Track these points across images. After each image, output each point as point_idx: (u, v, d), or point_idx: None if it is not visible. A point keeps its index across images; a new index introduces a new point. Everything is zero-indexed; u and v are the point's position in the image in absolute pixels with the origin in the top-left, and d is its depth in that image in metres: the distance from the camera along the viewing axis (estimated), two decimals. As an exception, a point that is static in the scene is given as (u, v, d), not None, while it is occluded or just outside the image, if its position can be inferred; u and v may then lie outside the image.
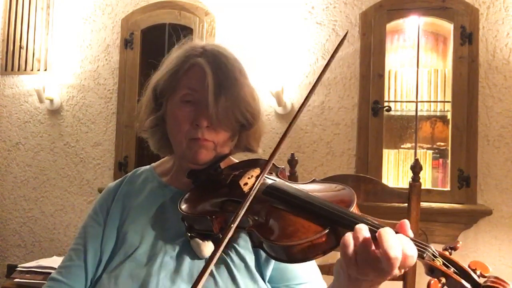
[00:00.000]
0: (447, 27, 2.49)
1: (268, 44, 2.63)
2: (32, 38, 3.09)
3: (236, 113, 0.88)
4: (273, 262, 0.86)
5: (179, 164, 0.97)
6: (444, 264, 0.58)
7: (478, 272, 0.58)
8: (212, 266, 0.62)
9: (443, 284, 0.56)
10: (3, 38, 3.14)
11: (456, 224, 2.35)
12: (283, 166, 0.90)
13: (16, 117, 3.11)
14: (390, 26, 2.54)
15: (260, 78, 2.48)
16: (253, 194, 0.69)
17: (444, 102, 2.52)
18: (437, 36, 2.63)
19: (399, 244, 0.57)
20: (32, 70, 3.07)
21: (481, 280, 0.57)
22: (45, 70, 3.04)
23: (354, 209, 0.67)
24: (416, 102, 2.52)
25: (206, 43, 0.95)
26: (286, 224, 0.68)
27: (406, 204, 1.42)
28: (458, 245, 0.61)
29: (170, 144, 0.95)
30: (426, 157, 2.50)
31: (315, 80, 0.90)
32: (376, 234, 0.59)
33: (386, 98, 2.52)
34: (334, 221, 0.64)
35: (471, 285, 0.57)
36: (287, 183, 0.80)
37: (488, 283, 0.58)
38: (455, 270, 0.58)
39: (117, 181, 1.05)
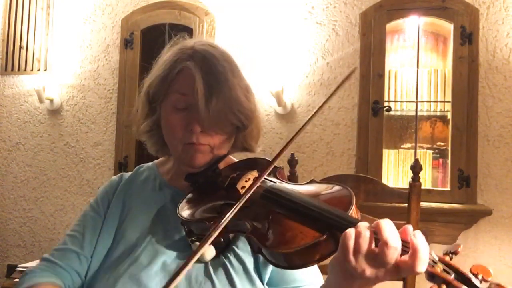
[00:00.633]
0: (447, 27, 2.49)
1: (268, 44, 2.63)
2: (32, 38, 3.09)
3: (229, 116, 0.87)
4: None
5: (178, 166, 0.97)
6: (444, 270, 0.58)
7: (480, 277, 0.56)
8: (190, 265, 0.62)
9: None
10: (3, 38, 3.14)
11: (456, 224, 2.35)
12: (281, 166, 0.89)
13: (16, 117, 3.11)
14: (390, 26, 2.54)
15: (260, 78, 2.49)
16: (246, 198, 0.68)
17: (444, 102, 2.52)
18: (437, 36, 2.63)
19: (397, 235, 0.59)
20: (32, 70, 3.07)
21: (483, 286, 0.56)
22: (45, 70, 3.04)
23: (353, 211, 0.66)
24: (416, 102, 2.52)
25: (196, 41, 0.93)
26: (284, 229, 0.67)
27: (406, 204, 1.42)
28: (459, 249, 0.60)
29: (168, 146, 0.95)
30: (426, 157, 2.50)
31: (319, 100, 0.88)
32: (375, 223, 0.59)
33: (386, 98, 2.52)
34: (333, 225, 0.63)
35: None
36: (285, 185, 0.79)
37: None
38: (456, 276, 0.57)
39: (119, 174, 1.05)
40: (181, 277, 0.61)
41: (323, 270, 0.97)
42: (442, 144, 2.56)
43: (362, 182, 1.49)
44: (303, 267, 0.65)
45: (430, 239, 2.36)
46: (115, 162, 2.90)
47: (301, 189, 0.77)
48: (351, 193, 0.69)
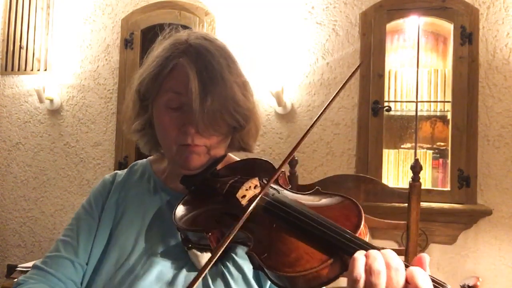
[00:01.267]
0: (447, 27, 2.49)
1: (268, 44, 2.63)
2: (32, 38, 3.09)
3: (225, 116, 0.82)
4: None
5: (172, 167, 0.92)
6: None
7: None
8: (200, 281, 0.58)
9: None
10: (3, 38, 3.14)
11: (456, 224, 2.35)
12: (283, 170, 0.82)
13: (16, 117, 3.11)
14: (390, 26, 2.54)
15: (260, 78, 2.49)
16: (250, 212, 0.64)
17: (444, 102, 2.52)
18: (437, 36, 2.63)
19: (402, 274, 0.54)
20: (32, 70, 3.07)
21: None
22: (45, 70, 3.04)
23: (361, 230, 0.62)
24: (416, 102, 2.52)
25: (190, 34, 0.87)
26: (289, 249, 0.62)
27: (406, 204, 1.42)
28: (478, 283, 0.57)
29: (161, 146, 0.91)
30: (426, 157, 2.50)
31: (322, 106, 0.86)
32: (408, 272, 0.54)
33: (386, 98, 2.52)
34: (341, 249, 0.58)
35: None
36: (288, 195, 0.74)
37: None
38: None
39: (112, 173, 1.00)
40: None
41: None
42: (442, 144, 2.56)
43: (362, 182, 1.49)
44: None
45: (430, 239, 2.37)
46: (115, 162, 2.90)
47: (306, 201, 0.71)
48: (360, 210, 0.65)
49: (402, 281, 0.54)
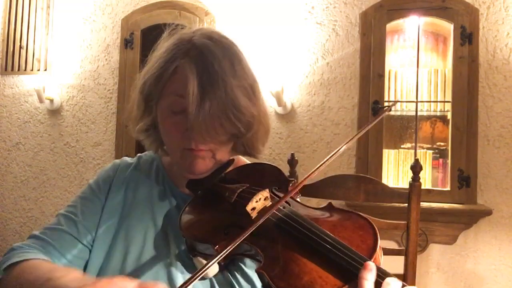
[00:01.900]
0: (447, 27, 2.49)
1: (268, 44, 2.63)
2: (32, 38, 3.09)
3: (224, 122, 0.77)
4: None
5: (179, 168, 0.88)
6: None
7: None
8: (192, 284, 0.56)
9: None
10: (3, 38, 3.14)
11: (456, 224, 2.35)
12: (293, 179, 0.79)
13: (16, 117, 3.11)
14: (390, 26, 2.54)
15: (260, 78, 2.48)
16: (258, 225, 0.62)
17: (444, 102, 2.52)
18: (437, 36, 2.63)
19: None
20: (32, 70, 3.07)
21: None
22: (45, 70, 3.04)
23: (377, 254, 0.60)
24: (416, 102, 2.52)
25: (196, 32, 0.84)
26: (301, 271, 0.58)
27: (406, 204, 1.42)
28: None
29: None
30: (426, 157, 2.50)
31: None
32: None
33: (386, 98, 2.52)
34: (357, 275, 0.55)
35: None
36: (301, 211, 0.70)
37: None
38: None
39: (123, 159, 0.98)
40: None
41: None
42: (442, 144, 2.56)
43: (362, 182, 1.49)
44: None
45: (430, 239, 2.36)
46: (115, 162, 2.90)
47: (319, 218, 0.68)
48: (376, 231, 0.62)
49: None
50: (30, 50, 3.08)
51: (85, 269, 0.85)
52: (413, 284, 1.49)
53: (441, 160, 2.50)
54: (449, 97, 2.44)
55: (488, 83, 2.39)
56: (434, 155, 2.52)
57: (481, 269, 2.35)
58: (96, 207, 0.88)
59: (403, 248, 1.42)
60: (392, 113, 2.58)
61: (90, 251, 0.85)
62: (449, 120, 2.46)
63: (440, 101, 2.53)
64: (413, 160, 1.55)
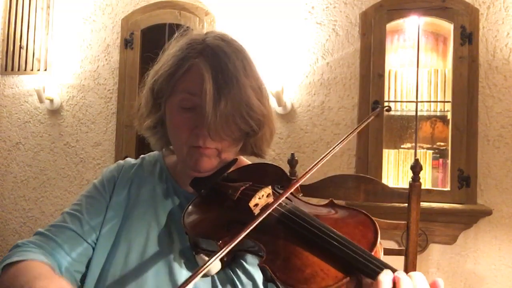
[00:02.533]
0: (447, 27, 2.49)
1: (268, 44, 2.63)
2: (32, 38, 3.09)
3: (238, 120, 0.80)
4: None
5: (183, 167, 0.90)
6: None
7: None
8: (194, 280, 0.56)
9: None
10: (3, 38, 3.14)
11: (456, 224, 2.35)
12: (295, 178, 0.81)
13: (16, 117, 3.11)
14: (390, 26, 2.54)
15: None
16: (261, 220, 0.63)
17: (444, 102, 2.52)
18: (437, 36, 2.63)
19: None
20: (32, 70, 3.07)
21: None
22: (45, 70, 3.04)
23: (377, 248, 0.61)
24: (416, 102, 2.52)
25: (208, 33, 0.86)
26: (303, 264, 0.60)
27: (406, 204, 1.42)
28: None
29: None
30: (426, 157, 2.50)
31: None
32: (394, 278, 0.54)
33: (386, 98, 2.52)
34: (358, 268, 0.57)
35: None
36: (303, 207, 0.72)
37: None
38: None
39: (126, 160, 0.99)
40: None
41: None
42: (442, 144, 2.56)
43: (362, 182, 1.49)
44: None
45: (430, 239, 2.36)
46: (115, 162, 2.90)
47: (321, 214, 0.70)
48: (376, 226, 0.64)
49: None
50: (30, 50, 3.08)
51: (88, 266, 0.85)
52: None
53: (441, 160, 2.50)
54: (449, 97, 2.44)
55: (488, 83, 2.39)
56: (434, 155, 2.52)
57: (481, 269, 2.35)
58: (101, 205, 0.89)
59: (403, 248, 1.42)
60: (392, 113, 2.58)
61: (94, 248, 0.86)
62: (449, 120, 2.46)
63: (440, 101, 2.53)
64: (413, 160, 1.55)
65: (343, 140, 0.77)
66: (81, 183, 2.97)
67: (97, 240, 0.86)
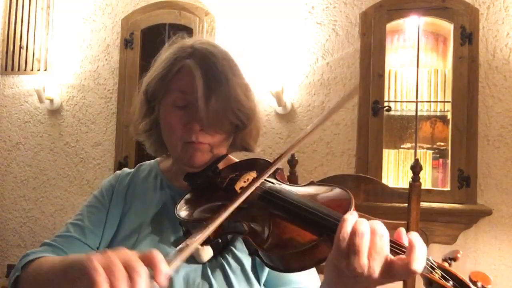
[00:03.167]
0: (447, 27, 2.49)
1: (268, 44, 2.63)
2: (32, 38, 3.09)
3: (229, 115, 0.86)
4: None
5: (177, 165, 0.96)
6: (442, 276, 0.56)
7: (479, 284, 0.55)
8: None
9: None
10: (3, 38, 3.14)
11: (456, 224, 2.35)
12: (281, 167, 0.86)
13: (16, 117, 3.11)
14: (390, 26, 2.54)
15: (260, 78, 2.48)
16: (243, 199, 0.68)
17: (444, 102, 2.52)
18: (437, 36, 2.63)
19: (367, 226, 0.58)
20: (32, 70, 3.07)
21: None
22: (45, 70, 3.04)
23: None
24: (416, 102, 2.52)
25: (196, 40, 0.93)
26: (281, 232, 0.66)
27: (406, 204, 1.42)
28: (458, 255, 0.59)
29: (167, 146, 0.95)
30: (426, 157, 2.50)
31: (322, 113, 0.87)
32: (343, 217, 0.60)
33: (386, 98, 2.52)
34: (329, 228, 0.62)
35: None
36: (284, 186, 0.78)
37: None
38: (455, 284, 0.56)
39: (123, 170, 1.04)
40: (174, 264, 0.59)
41: (318, 270, 0.97)
42: (442, 144, 2.56)
43: (362, 182, 1.49)
44: (300, 270, 0.65)
45: (430, 239, 2.36)
46: (115, 162, 2.90)
47: (300, 191, 0.76)
48: (350, 196, 0.69)
49: (386, 249, 0.57)
50: (30, 50, 3.08)
51: None
52: (413, 285, 1.49)
53: (441, 160, 2.50)
54: (449, 97, 2.44)
55: (488, 83, 2.39)
56: (434, 155, 2.52)
57: (481, 269, 2.34)
58: (101, 213, 0.95)
59: (403, 248, 1.41)
60: (392, 113, 2.58)
61: (98, 248, 0.91)
62: (449, 120, 2.46)
63: (440, 101, 2.53)
64: (413, 160, 1.55)
65: (319, 123, 0.82)
66: (81, 183, 2.97)
67: (99, 244, 0.92)
